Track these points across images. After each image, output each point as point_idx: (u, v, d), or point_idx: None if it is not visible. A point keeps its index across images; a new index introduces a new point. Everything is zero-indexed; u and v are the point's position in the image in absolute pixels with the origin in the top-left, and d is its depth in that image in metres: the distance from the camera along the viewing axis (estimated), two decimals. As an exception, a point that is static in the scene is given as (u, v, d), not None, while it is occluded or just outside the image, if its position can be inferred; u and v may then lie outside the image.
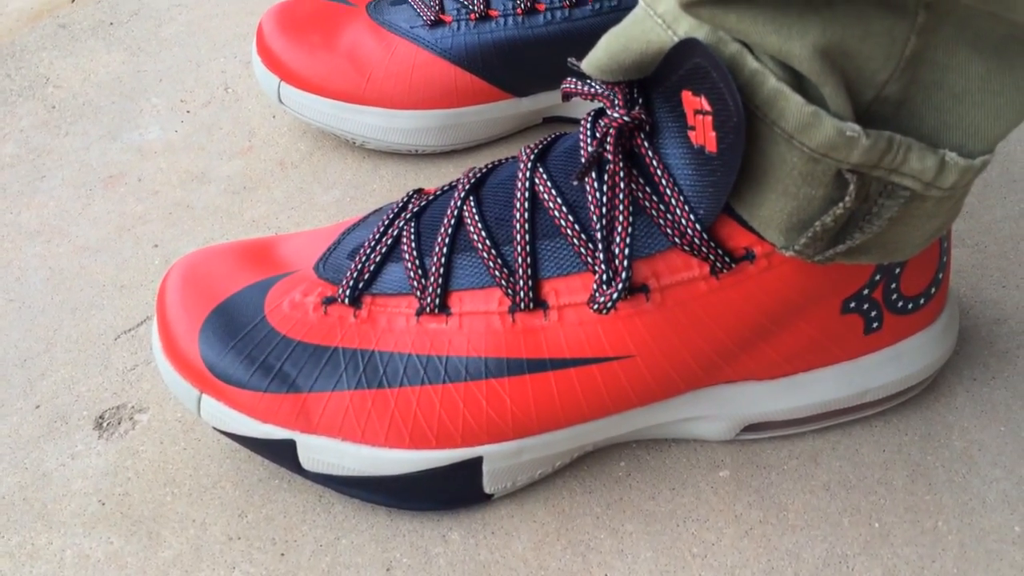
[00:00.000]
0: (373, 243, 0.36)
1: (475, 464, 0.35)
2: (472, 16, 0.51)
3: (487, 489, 0.36)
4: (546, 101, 0.54)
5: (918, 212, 0.31)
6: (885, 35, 0.27)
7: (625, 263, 0.31)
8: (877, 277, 0.35)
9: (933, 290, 0.37)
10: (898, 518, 0.37)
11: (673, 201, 0.32)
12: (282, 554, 0.36)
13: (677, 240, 0.32)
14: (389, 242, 0.36)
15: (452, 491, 0.36)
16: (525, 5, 0.50)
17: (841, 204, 0.29)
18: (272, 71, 0.53)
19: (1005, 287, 0.46)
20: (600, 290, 0.32)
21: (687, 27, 0.30)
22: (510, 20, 0.50)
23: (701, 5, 0.28)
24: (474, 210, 0.35)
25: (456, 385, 0.34)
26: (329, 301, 0.36)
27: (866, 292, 0.35)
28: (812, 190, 0.29)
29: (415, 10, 0.52)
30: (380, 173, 0.54)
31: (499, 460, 0.36)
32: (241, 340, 0.35)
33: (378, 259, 0.36)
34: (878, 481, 0.38)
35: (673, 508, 0.37)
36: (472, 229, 0.35)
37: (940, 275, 0.37)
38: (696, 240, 0.32)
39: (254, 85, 0.60)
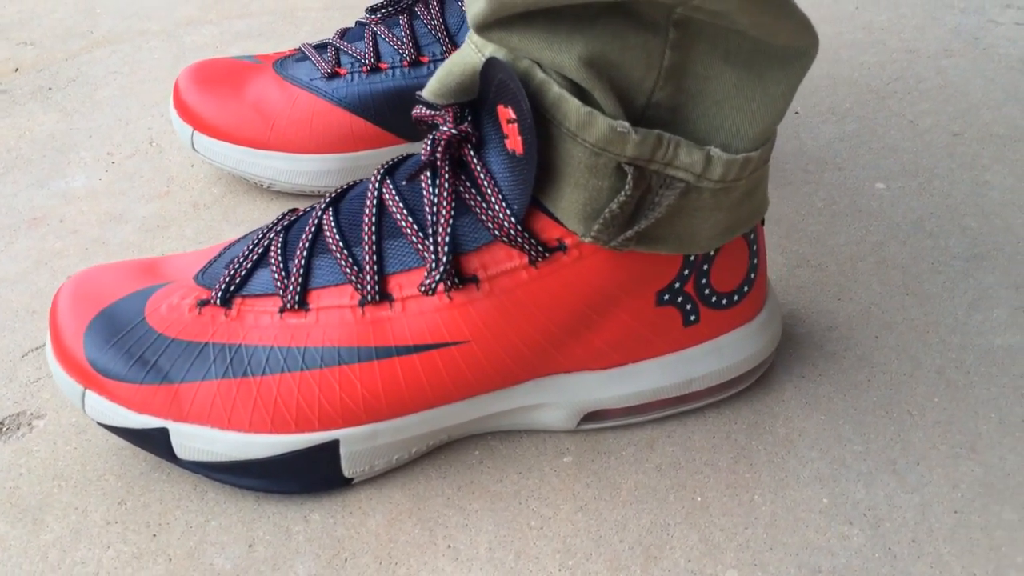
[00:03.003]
0: (247, 252, 0.41)
1: (333, 447, 0.39)
2: (364, 68, 0.56)
3: (346, 472, 0.40)
4: (437, 146, 0.59)
5: (698, 203, 0.36)
6: (641, 48, 0.33)
7: (445, 249, 0.36)
8: (686, 271, 0.39)
9: (746, 288, 0.42)
10: (719, 493, 0.40)
11: (493, 199, 0.36)
12: (154, 535, 0.39)
13: (497, 233, 0.37)
14: (260, 251, 0.41)
15: (314, 474, 0.40)
16: (411, 58, 0.56)
17: (623, 192, 0.34)
18: (186, 121, 0.58)
19: (840, 300, 0.51)
20: (428, 276, 0.36)
21: (491, 49, 0.35)
22: (398, 71, 0.56)
23: (490, 29, 0.33)
24: (331, 219, 0.40)
25: (312, 372, 0.38)
26: (203, 303, 0.40)
27: (677, 285, 0.40)
28: (599, 181, 0.34)
29: (315, 64, 0.57)
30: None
31: (355, 443, 0.39)
32: (121, 338, 0.39)
33: (249, 266, 0.40)
34: (705, 463, 0.42)
35: (518, 489, 0.41)
36: (328, 234, 0.39)
37: (753, 275, 0.42)
38: (512, 232, 0.36)
39: (177, 139, 0.65)
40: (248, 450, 0.39)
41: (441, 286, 0.37)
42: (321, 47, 0.59)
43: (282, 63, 0.59)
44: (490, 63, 0.34)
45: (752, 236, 0.41)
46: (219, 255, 0.42)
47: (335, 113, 0.56)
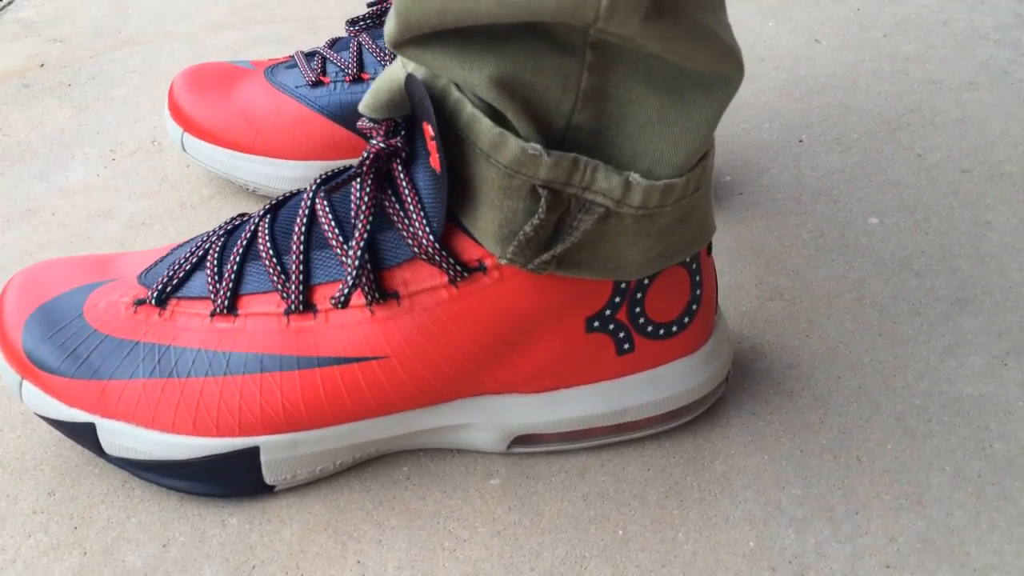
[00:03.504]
0: (187, 255, 0.41)
1: (253, 453, 0.39)
2: (347, 78, 0.57)
3: (267, 480, 0.40)
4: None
5: (620, 229, 0.35)
6: (556, 70, 0.32)
7: (357, 262, 0.35)
8: (617, 299, 0.39)
9: (687, 319, 0.41)
10: (642, 528, 0.39)
11: (414, 216, 0.36)
12: (75, 528, 0.40)
13: (416, 250, 0.36)
14: (200, 254, 0.41)
15: (235, 479, 0.40)
16: (393, 70, 0.56)
17: (537, 215, 0.33)
18: (177, 122, 0.59)
19: (808, 337, 0.49)
20: (341, 287, 0.36)
21: (412, 66, 0.35)
22: (380, 82, 0.56)
23: (404, 46, 0.33)
24: (267, 226, 0.40)
25: (235, 378, 0.39)
26: (140, 302, 0.40)
27: (608, 312, 0.39)
28: (513, 203, 0.34)
29: (302, 72, 0.58)
30: (266, 216, 0.59)
31: (275, 451, 0.39)
32: (58, 332, 0.40)
33: (188, 268, 0.41)
34: (634, 495, 0.41)
35: (438, 508, 0.40)
36: (261, 241, 0.39)
37: (695, 306, 0.41)
38: (430, 250, 0.36)
39: (177, 139, 0.66)
40: (170, 450, 0.39)
41: (362, 299, 0.37)
42: (310, 55, 0.59)
43: (273, 70, 0.59)
44: (408, 80, 0.34)
45: (694, 266, 0.40)
46: (165, 256, 0.43)
47: (317, 121, 0.57)
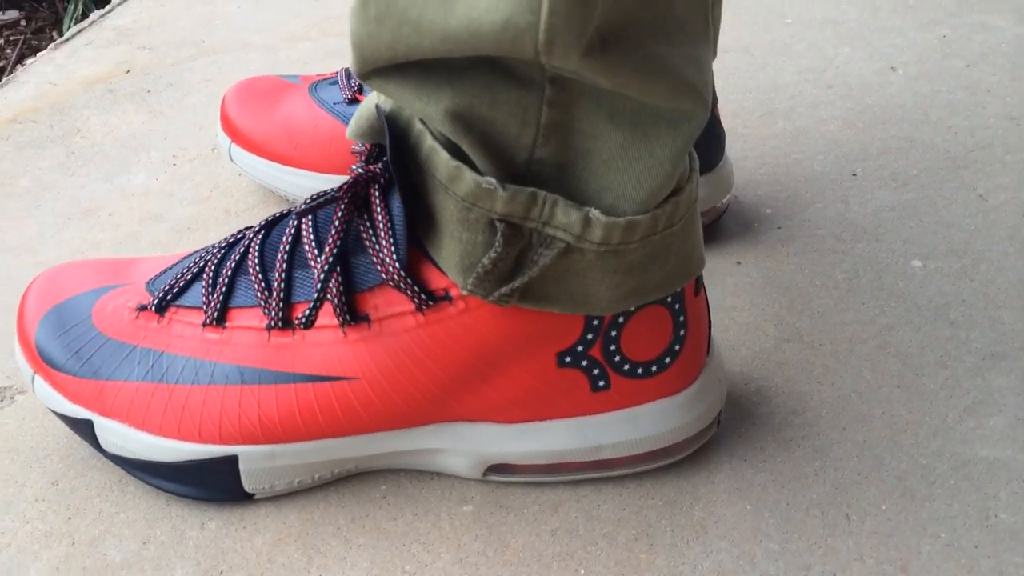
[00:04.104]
0: (191, 265, 0.43)
1: (232, 461, 0.40)
2: (382, 97, 0.58)
3: (247, 488, 0.41)
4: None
5: (583, 264, 0.34)
6: (515, 104, 0.32)
7: (319, 285, 0.36)
8: (589, 336, 0.38)
9: (669, 360, 0.40)
10: (605, 569, 0.39)
11: (384, 242, 0.37)
12: (69, 518, 0.42)
13: (384, 276, 0.37)
14: (201, 264, 0.43)
15: (217, 485, 0.41)
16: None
17: (494, 249, 0.33)
18: (226, 133, 0.62)
19: (820, 383, 0.47)
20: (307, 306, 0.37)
21: (383, 97, 0.35)
22: (413, 102, 0.57)
23: (368, 77, 0.33)
24: (259, 241, 0.41)
25: (219, 387, 0.40)
26: (142, 308, 0.42)
27: (580, 349, 0.38)
28: (472, 235, 0.34)
29: (340, 89, 0.59)
30: (302, 227, 0.61)
31: (253, 461, 0.40)
32: (67, 332, 0.42)
33: (189, 277, 0.42)
34: (604, 535, 0.40)
35: (407, 530, 0.41)
36: (251, 257, 0.41)
37: (678, 347, 0.40)
38: (396, 277, 0.36)
39: (235, 148, 0.69)
40: (157, 452, 0.41)
41: (335, 320, 0.38)
42: (351, 73, 0.61)
43: (316, 85, 0.61)
44: (376, 111, 0.34)
45: (677, 305, 0.39)
46: (174, 264, 0.45)
47: (353, 137, 0.58)
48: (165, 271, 0.44)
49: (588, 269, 0.35)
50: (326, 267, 0.36)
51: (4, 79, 0.83)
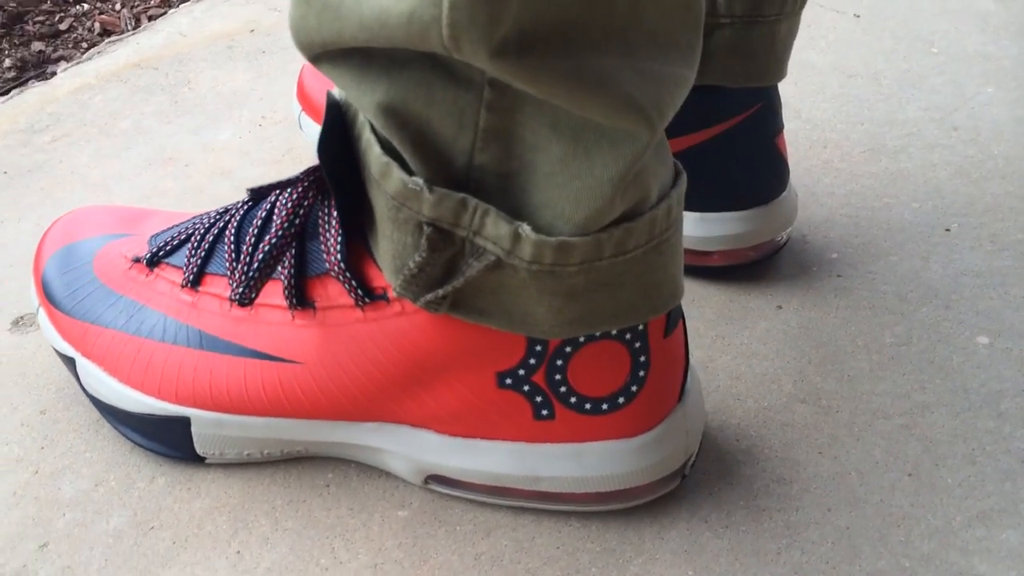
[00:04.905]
0: (190, 226, 0.44)
1: (185, 423, 0.41)
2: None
3: (198, 450, 0.42)
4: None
5: (517, 282, 0.32)
6: (451, 104, 0.30)
7: (255, 265, 0.36)
8: (532, 360, 0.36)
9: (622, 400, 0.37)
10: (514, 607, 0.37)
11: (333, 230, 0.36)
12: (42, 448, 0.44)
13: (327, 266, 0.36)
14: (197, 227, 0.44)
15: (172, 442, 0.42)
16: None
17: (419, 253, 0.32)
18: (299, 101, 0.63)
19: (821, 455, 0.43)
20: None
21: (343, 83, 0.34)
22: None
23: (317, 61, 0.32)
24: (241, 213, 0.41)
25: (181, 348, 0.41)
26: (136, 260, 0.44)
27: (522, 372, 0.36)
28: (402, 235, 0.32)
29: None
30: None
31: (203, 426, 0.41)
32: (70, 271, 0.44)
33: (183, 238, 0.43)
34: (527, 570, 0.38)
35: (335, 524, 0.40)
36: (230, 226, 0.41)
37: (634, 388, 0.37)
38: (336, 269, 0.35)
39: (319, 116, 0.71)
40: (123, 401, 0.42)
41: (285, 302, 0.38)
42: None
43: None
44: (327, 95, 0.34)
45: (638, 344, 0.36)
46: (181, 223, 0.46)
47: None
48: (169, 228, 0.45)
49: (522, 287, 0.33)
50: (267, 247, 0.36)
51: (144, 26, 0.89)
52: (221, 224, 0.42)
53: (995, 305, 0.51)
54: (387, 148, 0.32)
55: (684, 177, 0.36)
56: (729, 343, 0.49)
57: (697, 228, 0.52)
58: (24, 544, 0.39)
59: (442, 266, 0.33)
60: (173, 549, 0.39)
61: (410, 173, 0.32)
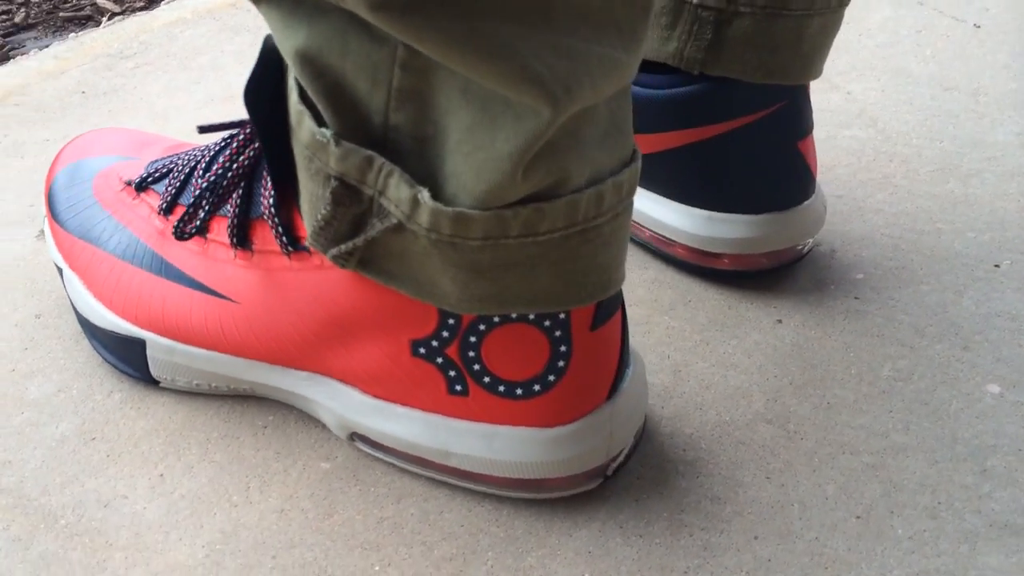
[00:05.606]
0: (181, 157, 0.45)
1: (141, 345, 0.43)
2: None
3: (153, 373, 0.43)
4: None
5: (419, 248, 0.32)
6: (365, 58, 0.30)
7: (191, 200, 0.36)
8: (445, 333, 0.35)
9: (538, 387, 0.36)
10: (399, 574, 0.36)
11: (271, 176, 0.36)
12: (25, 348, 0.46)
13: (261, 209, 0.36)
14: (185, 159, 0.45)
15: (131, 361, 0.44)
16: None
17: (324, 206, 0.32)
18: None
19: (768, 480, 0.40)
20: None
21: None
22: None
23: (258, 2, 0.32)
24: (215, 148, 0.42)
25: (144, 273, 0.42)
26: (128, 183, 0.45)
27: (435, 344, 0.35)
28: (314, 186, 0.32)
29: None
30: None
31: (156, 351, 0.42)
32: (73, 187, 0.47)
33: (171, 167, 0.45)
34: (423, 542, 0.37)
35: (258, 464, 0.41)
36: (203, 160, 0.42)
37: (551, 378, 0.35)
38: (267, 213, 0.36)
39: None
40: (93, 315, 0.44)
41: (228, 239, 0.38)
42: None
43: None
44: (264, 38, 0.33)
45: (558, 333, 0.35)
46: (179, 153, 0.47)
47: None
48: (165, 157, 0.47)
49: (426, 256, 0.32)
50: (204, 184, 0.37)
51: (251, -32, 0.91)
52: (199, 157, 0.43)
53: (1020, 353, 0.46)
54: (304, 97, 0.32)
55: (635, 168, 0.34)
56: (711, 350, 0.46)
57: (704, 227, 0.49)
58: (-21, 434, 0.42)
59: (349, 222, 0.32)
60: (105, 462, 0.41)
61: (324, 125, 0.31)
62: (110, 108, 0.68)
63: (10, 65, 0.74)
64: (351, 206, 0.32)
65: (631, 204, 0.35)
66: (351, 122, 0.31)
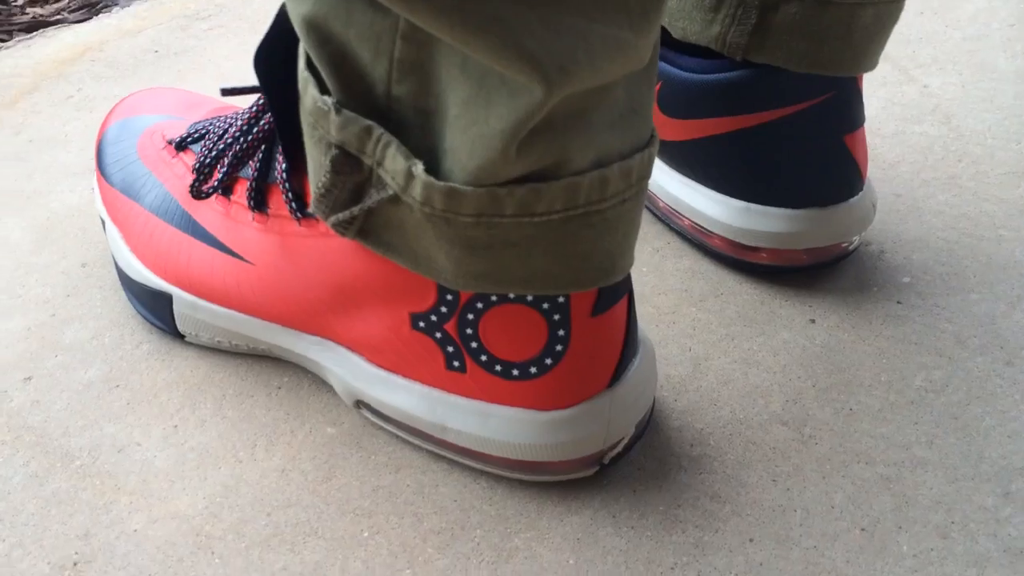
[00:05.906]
0: (224, 118, 0.46)
1: (168, 299, 0.44)
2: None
3: (179, 328, 0.45)
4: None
5: (414, 221, 0.32)
6: (368, 28, 0.29)
7: (207, 160, 0.37)
8: (444, 309, 0.35)
9: (535, 370, 0.35)
10: (388, 543, 0.37)
11: (281, 142, 0.36)
12: (68, 295, 0.48)
13: (276, 174, 0.37)
14: (226, 122, 0.46)
15: (160, 315, 0.45)
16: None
17: (324, 173, 0.32)
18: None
19: (774, 482, 0.39)
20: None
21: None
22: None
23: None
24: (253, 112, 0.43)
25: (175, 230, 0.43)
26: (170, 142, 0.47)
27: (434, 319, 0.35)
28: (317, 154, 0.33)
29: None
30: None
31: (182, 306, 0.44)
32: (119, 143, 0.48)
33: (211, 128, 0.46)
34: (414, 514, 0.38)
35: (267, 424, 0.41)
36: (239, 123, 0.42)
37: (549, 361, 0.35)
38: (279, 178, 0.36)
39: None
40: (129, 268, 0.46)
41: (247, 202, 0.39)
42: None
43: None
44: (280, 6, 0.34)
45: (557, 316, 0.34)
46: (222, 116, 0.48)
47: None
48: (209, 119, 0.48)
49: (421, 229, 0.32)
50: (221, 146, 0.37)
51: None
52: (234, 121, 0.43)
53: (1069, 373, 0.44)
54: (310, 65, 0.32)
55: (648, 153, 0.33)
56: (736, 345, 0.45)
57: (741, 218, 0.48)
58: (14, 373, 0.44)
59: (349, 191, 0.32)
60: (125, 409, 0.42)
61: (328, 93, 0.32)
62: (179, 68, 0.70)
63: (93, 22, 0.77)
64: (351, 175, 0.32)
65: (643, 190, 0.34)
66: (354, 91, 0.31)
